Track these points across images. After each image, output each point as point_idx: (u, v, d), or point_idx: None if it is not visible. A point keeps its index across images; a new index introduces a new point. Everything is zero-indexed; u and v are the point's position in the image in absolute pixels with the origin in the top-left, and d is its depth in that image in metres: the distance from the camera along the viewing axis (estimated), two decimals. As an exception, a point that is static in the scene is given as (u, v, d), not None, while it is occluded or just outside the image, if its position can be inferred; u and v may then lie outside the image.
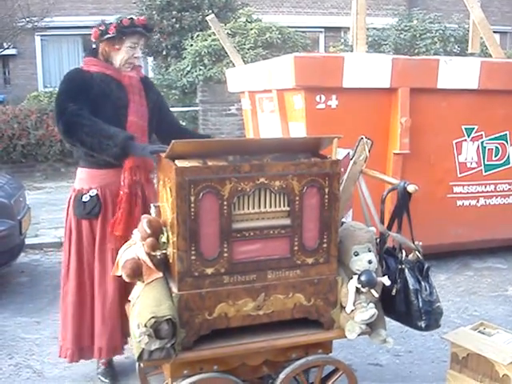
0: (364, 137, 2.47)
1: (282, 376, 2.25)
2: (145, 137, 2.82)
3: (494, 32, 5.83)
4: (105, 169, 2.76)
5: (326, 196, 2.19)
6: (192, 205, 2.04)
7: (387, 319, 2.42)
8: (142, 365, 2.43)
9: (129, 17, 2.75)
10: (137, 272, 2.17)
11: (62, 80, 2.80)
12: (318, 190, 2.18)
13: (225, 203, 2.07)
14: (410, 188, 2.34)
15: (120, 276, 2.61)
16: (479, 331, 2.80)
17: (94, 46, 2.82)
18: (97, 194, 2.76)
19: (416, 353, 3.34)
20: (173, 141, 2.08)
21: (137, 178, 2.74)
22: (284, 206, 2.16)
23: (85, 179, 2.82)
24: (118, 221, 2.70)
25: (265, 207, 2.14)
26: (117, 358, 3.07)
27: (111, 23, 2.73)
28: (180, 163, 2.12)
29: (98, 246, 2.77)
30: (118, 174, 2.72)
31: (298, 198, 2.16)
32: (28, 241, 5.15)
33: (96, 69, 2.76)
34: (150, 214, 2.35)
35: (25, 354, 3.37)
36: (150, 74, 12.90)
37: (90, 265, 2.80)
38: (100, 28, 2.75)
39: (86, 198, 2.76)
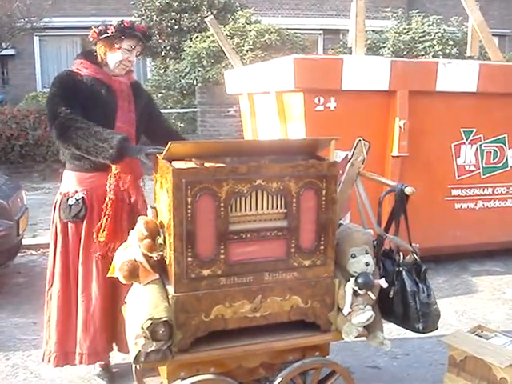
0: (361, 139, 2.47)
1: (278, 378, 2.24)
2: (133, 142, 2.79)
3: (493, 35, 5.83)
4: (91, 172, 2.75)
5: (323, 198, 2.18)
6: (189, 206, 2.03)
7: (385, 321, 2.42)
8: (138, 367, 2.42)
9: (131, 20, 2.76)
10: (133, 273, 2.17)
11: (53, 83, 2.76)
12: (315, 192, 2.17)
13: (221, 205, 2.06)
14: (408, 190, 2.33)
15: (107, 281, 2.61)
16: (477, 334, 2.80)
17: (92, 46, 2.82)
18: (83, 197, 2.75)
19: (413, 355, 3.33)
20: (170, 142, 2.08)
21: (123, 185, 2.72)
22: (281, 207, 2.15)
23: (71, 182, 2.80)
24: (103, 227, 2.68)
25: (262, 209, 2.13)
26: (114, 360, 3.06)
27: (111, 24, 2.73)
28: (177, 164, 2.12)
29: (82, 250, 2.75)
30: (105, 177, 2.71)
31: (295, 200, 2.15)
32: (25, 241, 5.14)
33: (87, 72, 2.75)
34: (142, 219, 2.33)
35: (22, 354, 3.37)
36: (149, 75, 12.95)
37: (76, 268, 2.78)
38: (99, 28, 2.76)
39: (71, 201, 2.75)
